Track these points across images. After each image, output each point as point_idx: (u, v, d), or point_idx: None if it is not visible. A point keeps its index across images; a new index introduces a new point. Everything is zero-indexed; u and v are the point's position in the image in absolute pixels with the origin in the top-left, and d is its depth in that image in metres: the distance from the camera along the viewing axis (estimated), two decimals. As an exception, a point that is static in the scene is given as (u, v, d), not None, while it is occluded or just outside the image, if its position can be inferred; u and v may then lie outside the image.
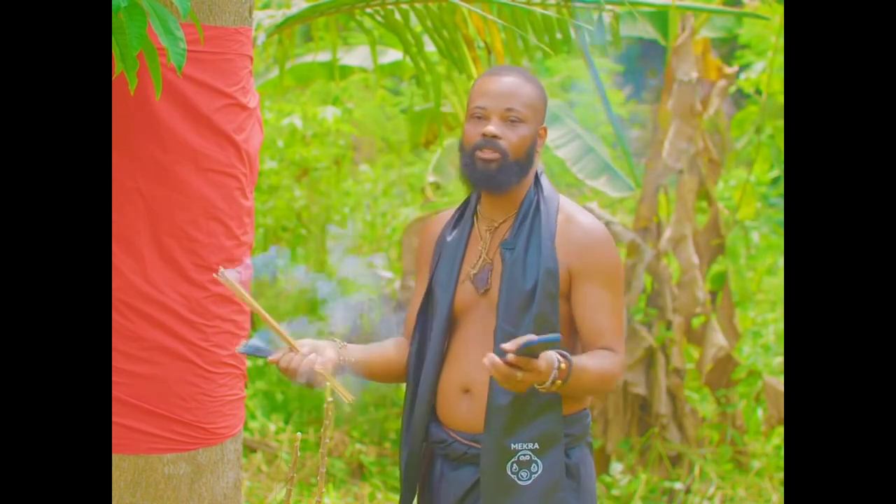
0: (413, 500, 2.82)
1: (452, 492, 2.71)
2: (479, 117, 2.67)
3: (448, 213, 2.86)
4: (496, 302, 2.66)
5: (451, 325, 2.72)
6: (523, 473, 2.64)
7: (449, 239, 2.78)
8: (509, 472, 2.64)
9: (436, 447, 2.74)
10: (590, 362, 2.58)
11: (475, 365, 2.65)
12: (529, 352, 2.41)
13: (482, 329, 2.67)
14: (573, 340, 2.69)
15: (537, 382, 2.49)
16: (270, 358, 2.57)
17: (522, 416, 2.63)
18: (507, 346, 2.42)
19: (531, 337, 2.41)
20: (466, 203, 2.82)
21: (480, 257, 2.73)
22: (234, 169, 2.69)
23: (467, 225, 2.77)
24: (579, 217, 2.71)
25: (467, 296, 2.71)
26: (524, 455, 2.64)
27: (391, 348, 2.81)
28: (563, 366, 2.49)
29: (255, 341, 2.59)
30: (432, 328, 2.74)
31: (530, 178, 2.72)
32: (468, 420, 2.69)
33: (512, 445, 2.63)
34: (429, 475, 2.78)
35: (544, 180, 2.76)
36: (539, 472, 2.64)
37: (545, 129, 2.74)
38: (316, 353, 2.60)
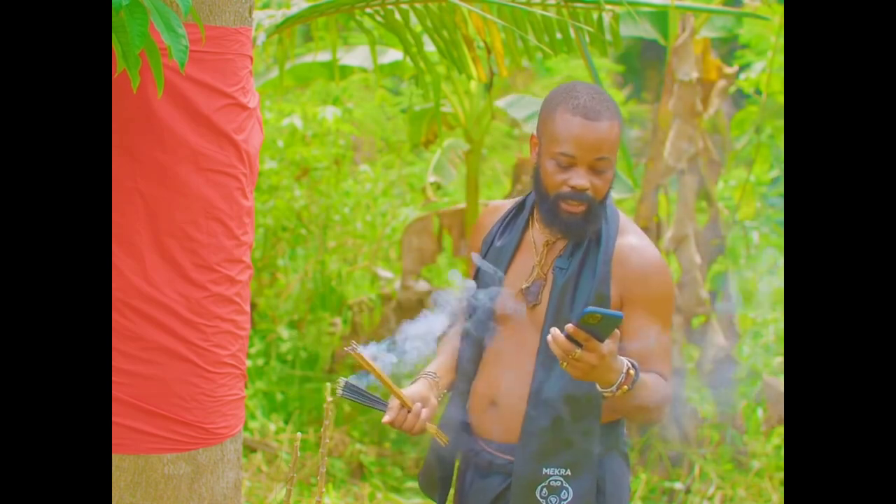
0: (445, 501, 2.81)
1: (480, 500, 2.69)
2: (565, 165, 2.55)
3: (503, 207, 2.78)
4: (542, 319, 2.59)
5: (489, 331, 2.66)
6: (552, 499, 2.59)
7: (498, 244, 2.71)
8: (538, 496, 2.59)
9: (468, 454, 2.72)
10: (650, 380, 2.52)
11: (504, 377, 2.62)
12: (590, 327, 2.34)
13: (518, 342, 2.62)
14: None
15: (601, 385, 2.42)
16: (386, 419, 2.57)
17: (557, 442, 2.58)
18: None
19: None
20: (521, 204, 2.74)
21: (534, 270, 2.65)
22: (234, 169, 2.69)
23: (518, 233, 2.69)
24: (638, 242, 2.63)
25: (509, 305, 2.64)
26: (555, 480, 2.59)
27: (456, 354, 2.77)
28: (631, 371, 2.42)
29: (354, 381, 2.59)
30: (471, 332, 2.69)
31: None
32: (495, 431, 2.66)
33: (544, 470, 2.58)
34: (461, 482, 2.76)
35: (609, 199, 2.65)
36: (569, 499, 2.59)
37: None
38: (423, 404, 2.59)
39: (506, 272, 2.68)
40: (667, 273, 2.64)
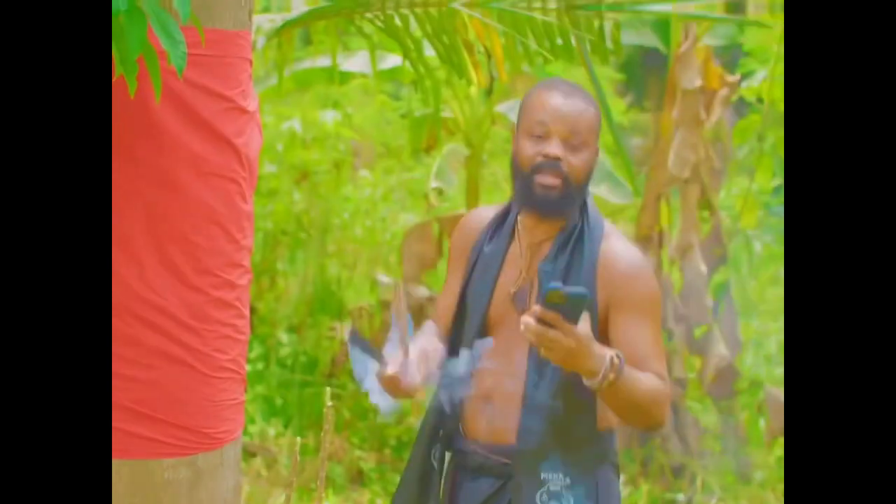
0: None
1: (470, 502, 2.68)
2: (538, 136, 2.54)
3: (486, 214, 2.77)
4: None
5: (483, 336, 2.65)
6: None
7: (486, 250, 2.70)
8: (538, 501, 2.58)
9: (456, 456, 2.71)
10: (641, 375, 2.49)
11: (497, 381, 2.62)
12: (558, 307, 2.31)
13: (510, 346, 2.60)
14: None
15: (587, 375, 2.39)
16: (391, 370, 2.47)
17: (554, 444, 2.57)
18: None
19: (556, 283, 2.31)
20: (507, 211, 2.72)
21: (521, 275, 2.65)
22: (233, 173, 2.68)
23: (505, 238, 2.69)
24: (621, 247, 2.62)
25: (501, 310, 2.64)
26: (555, 486, 2.58)
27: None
28: (615, 360, 2.40)
29: (362, 344, 2.58)
30: (464, 338, 2.68)
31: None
32: (488, 432, 2.65)
33: (542, 475, 2.58)
34: (450, 485, 2.73)
35: (590, 202, 2.66)
36: (571, 503, 2.58)
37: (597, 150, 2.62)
38: (422, 358, 2.55)
39: (496, 278, 2.67)
40: (649, 273, 2.63)
